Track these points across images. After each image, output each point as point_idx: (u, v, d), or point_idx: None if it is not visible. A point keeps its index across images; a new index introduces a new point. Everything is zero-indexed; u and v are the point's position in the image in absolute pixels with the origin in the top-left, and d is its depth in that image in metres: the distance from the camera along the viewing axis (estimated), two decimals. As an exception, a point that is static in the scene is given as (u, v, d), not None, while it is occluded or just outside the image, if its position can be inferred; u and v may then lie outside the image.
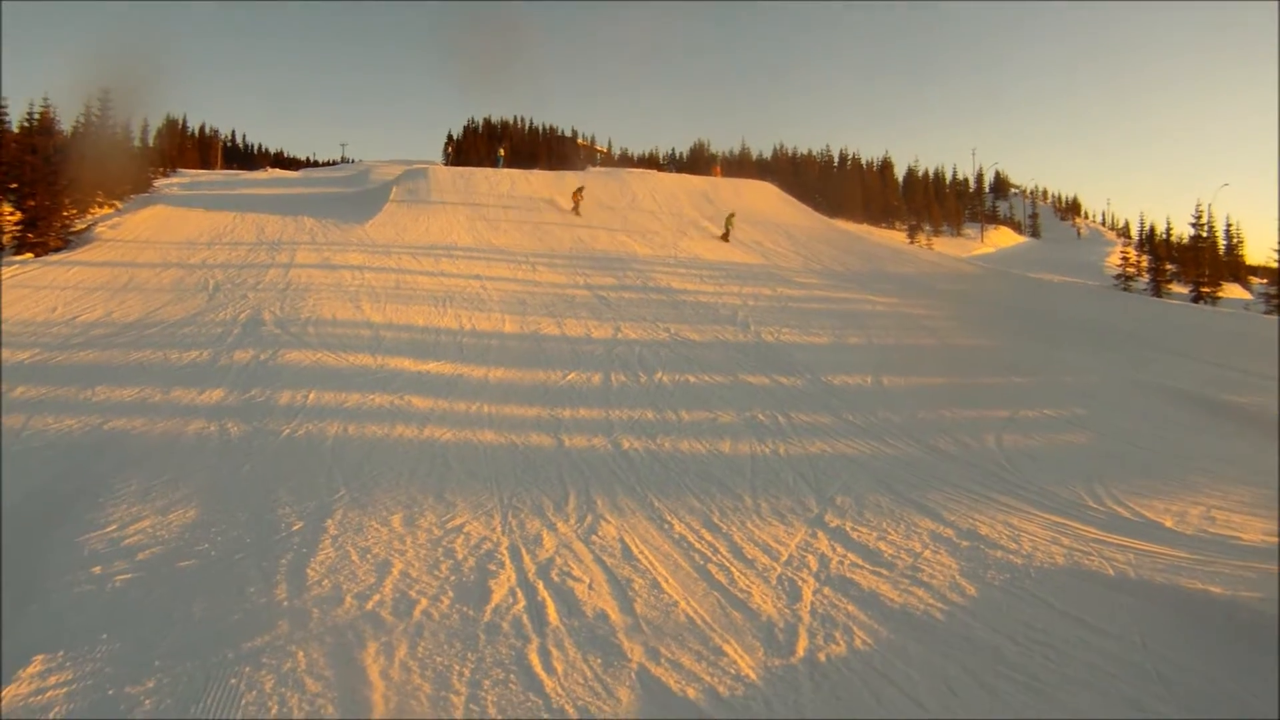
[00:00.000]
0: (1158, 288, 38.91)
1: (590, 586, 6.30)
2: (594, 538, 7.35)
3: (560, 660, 5.20)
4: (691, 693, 4.92)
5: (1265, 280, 43.20)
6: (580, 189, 31.67)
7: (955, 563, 7.17)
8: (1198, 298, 37.16)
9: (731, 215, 31.00)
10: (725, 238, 29.69)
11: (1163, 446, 11.44)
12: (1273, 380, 15.78)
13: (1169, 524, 8.42)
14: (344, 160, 72.93)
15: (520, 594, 6.09)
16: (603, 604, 6.01)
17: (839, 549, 7.38)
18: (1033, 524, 8.25)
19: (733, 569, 6.80)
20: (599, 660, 5.23)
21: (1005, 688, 5.13)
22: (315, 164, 74.37)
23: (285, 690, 4.70)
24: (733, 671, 5.17)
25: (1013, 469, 10.08)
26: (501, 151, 44.69)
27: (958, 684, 5.16)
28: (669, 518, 7.97)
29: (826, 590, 6.48)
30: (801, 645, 5.57)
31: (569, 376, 13.88)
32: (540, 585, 6.26)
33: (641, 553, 7.05)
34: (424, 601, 5.90)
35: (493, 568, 6.52)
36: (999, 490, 9.27)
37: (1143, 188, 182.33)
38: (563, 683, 4.95)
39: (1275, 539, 8.17)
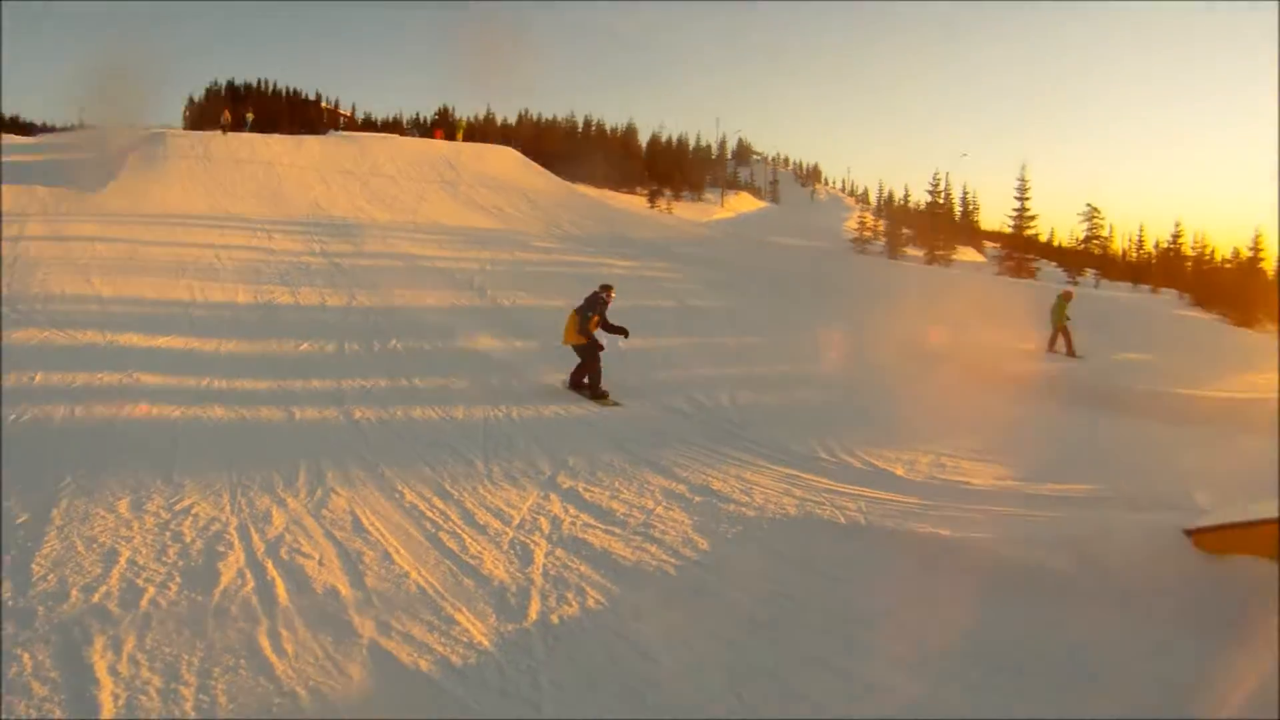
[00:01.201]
0: (892, 250, 41.55)
1: (320, 562, 6.23)
2: (324, 511, 7.24)
3: (290, 641, 5.13)
4: (424, 664, 4.98)
5: (998, 245, 47.16)
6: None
7: (688, 518, 7.49)
8: (931, 260, 39.98)
9: (1065, 296, 18.63)
10: (1063, 346, 18.15)
11: (893, 399, 12.43)
12: (966, 332, 17.42)
13: (899, 472, 9.15)
14: (82, 125, 67.13)
15: (249, 575, 5.94)
16: (333, 580, 5.96)
17: (571, 510, 7.60)
18: (765, 477, 8.75)
19: (464, 536, 6.88)
20: (329, 638, 5.19)
21: (741, 638, 5.37)
22: (52, 129, 68.04)
23: (12, 697, 4.41)
24: (465, 639, 5.26)
25: (746, 425, 10.66)
26: (249, 115, 43.01)
27: (692, 637, 5.37)
28: (400, 487, 7.96)
29: (559, 552, 6.66)
30: (534, 609, 5.70)
31: (302, 347, 13.69)
32: (269, 564, 6.13)
33: (372, 524, 7.02)
34: (151, 590, 5.65)
35: (221, 549, 6.32)
36: (732, 446, 9.80)
37: (884, 157, 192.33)
38: (293, 664, 4.89)
39: (1004, 482, 8.92)
